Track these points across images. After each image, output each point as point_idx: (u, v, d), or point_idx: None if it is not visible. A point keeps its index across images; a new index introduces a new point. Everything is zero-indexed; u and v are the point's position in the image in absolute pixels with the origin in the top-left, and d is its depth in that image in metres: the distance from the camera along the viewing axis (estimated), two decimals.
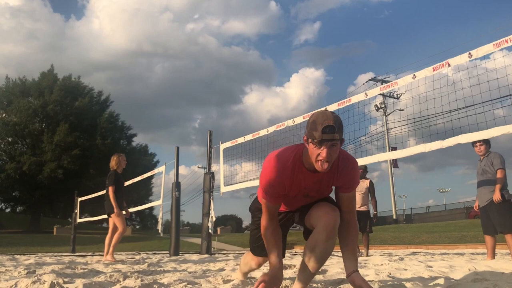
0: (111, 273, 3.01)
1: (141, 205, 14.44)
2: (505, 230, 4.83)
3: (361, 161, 5.12)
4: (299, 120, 6.06)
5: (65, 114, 31.77)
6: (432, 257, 5.88)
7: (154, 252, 11.49)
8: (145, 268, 4.12)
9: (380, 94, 28.85)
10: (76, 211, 13.14)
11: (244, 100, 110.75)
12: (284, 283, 2.25)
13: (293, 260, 4.99)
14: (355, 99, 5.28)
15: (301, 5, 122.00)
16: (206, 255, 7.54)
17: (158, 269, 4.01)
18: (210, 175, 8.22)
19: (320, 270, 3.20)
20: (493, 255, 5.07)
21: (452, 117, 4.47)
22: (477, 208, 5.41)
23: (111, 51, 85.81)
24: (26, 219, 33.39)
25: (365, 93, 5.25)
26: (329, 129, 1.80)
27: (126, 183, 7.48)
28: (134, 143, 38.27)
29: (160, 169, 9.53)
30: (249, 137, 7.30)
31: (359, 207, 6.86)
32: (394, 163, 34.07)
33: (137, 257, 7.49)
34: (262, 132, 6.95)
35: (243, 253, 2.92)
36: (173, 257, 7.11)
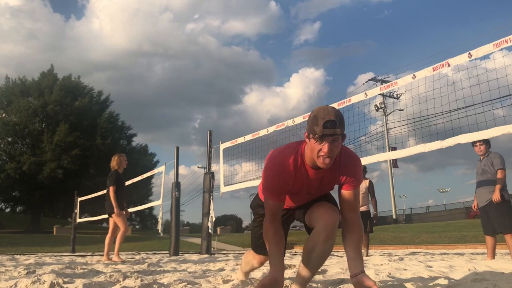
0: (111, 273, 3.01)
1: (141, 205, 14.43)
2: (504, 230, 4.83)
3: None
4: (299, 120, 6.07)
5: (65, 114, 31.77)
6: (432, 257, 5.88)
7: (154, 252, 11.49)
8: (145, 268, 4.12)
9: (380, 94, 28.85)
10: (76, 211, 13.14)
11: (244, 100, 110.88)
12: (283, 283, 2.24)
13: (293, 260, 4.99)
14: (355, 99, 5.29)
15: (301, 5, 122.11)
16: (206, 255, 7.55)
17: (158, 269, 4.01)
18: (210, 175, 8.22)
19: (320, 270, 3.21)
20: (493, 255, 5.07)
21: (452, 117, 4.47)
22: (475, 208, 5.41)
23: (111, 51, 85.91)
24: (26, 219, 33.40)
25: (365, 93, 5.26)
26: (330, 124, 1.78)
27: (126, 183, 7.48)
28: (134, 143, 38.33)
29: (160, 169, 9.54)
30: (249, 137, 7.30)
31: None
32: (394, 163, 34.07)
33: (137, 257, 7.49)
34: (262, 132, 6.95)
35: (243, 253, 2.91)
36: (173, 257, 7.11)
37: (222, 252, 11.27)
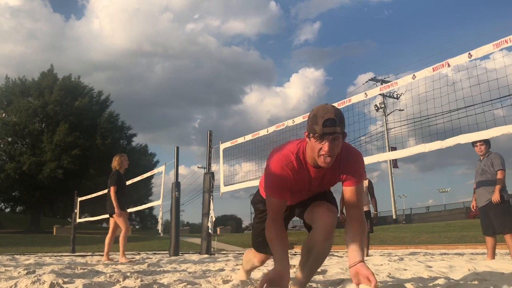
0: (111, 273, 3.01)
1: (141, 205, 14.44)
2: (504, 231, 4.83)
3: None
4: (299, 120, 6.07)
5: (65, 114, 31.77)
6: (432, 257, 5.88)
7: (154, 252, 11.50)
8: (145, 268, 4.13)
9: (380, 94, 28.83)
10: (76, 211, 13.14)
11: (244, 100, 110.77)
12: None
13: (293, 260, 4.98)
14: (355, 99, 5.29)
15: (301, 5, 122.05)
16: (206, 255, 7.55)
17: (158, 269, 4.01)
18: (210, 175, 8.22)
19: (319, 270, 3.20)
20: (493, 255, 5.07)
21: (452, 117, 4.47)
22: (473, 208, 5.42)
23: (111, 51, 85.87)
24: (26, 219, 33.39)
25: (365, 93, 5.26)
26: (330, 122, 1.77)
27: (126, 183, 7.48)
28: (134, 143, 38.33)
29: (160, 169, 9.54)
30: (249, 137, 7.30)
31: None
32: (394, 163, 34.07)
33: (137, 257, 7.49)
34: (262, 132, 6.96)
35: (243, 253, 2.91)
36: (173, 257, 7.11)
37: (222, 252, 11.27)
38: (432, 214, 37.92)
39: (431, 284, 2.43)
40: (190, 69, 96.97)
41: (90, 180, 29.32)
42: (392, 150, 7.71)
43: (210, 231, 8.02)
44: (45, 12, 74.28)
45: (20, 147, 32.93)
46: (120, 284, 2.48)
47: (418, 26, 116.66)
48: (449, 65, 4.18)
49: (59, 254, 10.94)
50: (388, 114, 35.52)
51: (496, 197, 4.82)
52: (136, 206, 13.92)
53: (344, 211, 6.22)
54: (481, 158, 5.12)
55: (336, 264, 4.13)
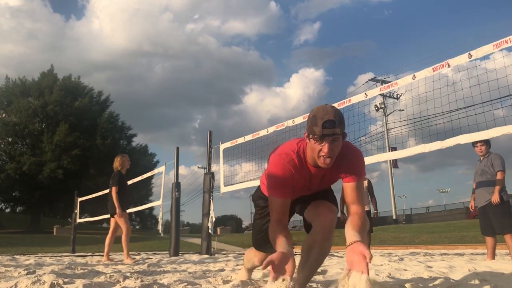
0: (111, 274, 3.02)
1: (141, 205, 14.44)
2: (504, 231, 4.83)
3: None
4: (299, 120, 6.08)
5: (65, 114, 31.78)
6: (432, 258, 5.88)
7: (154, 252, 11.50)
8: (145, 268, 4.13)
9: (380, 95, 28.80)
10: (76, 211, 13.14)
11: (244, 100, 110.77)
12: None
13: None
14: (355, 99, 5.30)
15: (301, 5, 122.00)
16: (206, 256, 7.55)
17: (158, 269, 4.01)
18: (210, 175, 8.22)
19: (319, 271, 3.21)
20: (493, 256, 5.07)
21: (452, 118, 4.47)
22: (472, 208, 5.43)
23: (111, 51, 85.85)
24: (26, 219, 33.40)
25: (365, 94, 5.26)
26: (329, 124, 1.76)
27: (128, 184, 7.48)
28: (134, 143, 38.38)
29: (160, 169, 9.54)
30: (249, 137, 7.30)
31: None
32: (394, 163, 34.07)
33: (137, 257, 7.49)
34: (262, 133, 6.96)
35: (243, 254, 2.91)
36: (173, 258, 7.11)
37: (222, 252, 11.27)
38: (432, 214, 37.91)
39: (431, 285, 2.43)
40: (190, 69, 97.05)
41: (90, 180, 29.34)
42: (392, 150, 7.71)
43: (210, 231, 8.02)
44: (45, 12, 74.32)
45: (20, 147, 32.95)
46: (120, 285, 2.48)
47: (418, 26, 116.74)
48: (449, 65, 4.18)
49: (59, 254, 10.95)
50: (388, 114, 35.55)
51: (495, 198, 4.82)
52: (136, 206, 13.92)
53: (344, 211, 6.23)
54: (481, 158, 5.12)
55: (336, 264, 4.13)
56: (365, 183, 7.19)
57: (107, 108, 36.05)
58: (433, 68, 4.31)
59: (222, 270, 3.85)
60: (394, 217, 35.25)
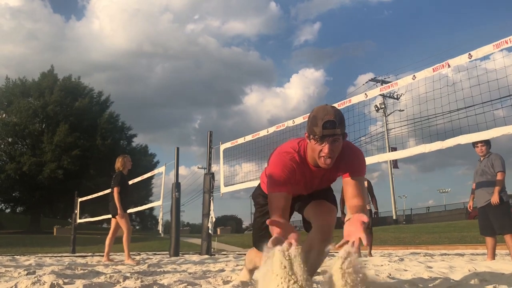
0: (111, 274, 3.02)
1: (141, 205, 14.43)
2: (504, 231, 4.83)
3: None
4: (299, 120, 6.08)
5: (65, 114, 31.80)
6: (432, 258, 5.88)
7: (154, 252, 11.50)
8: (145, 268, 4.13)
9: (380, 95, 28.84)
10: (76, 211, 13.15)
11: (244, 101, 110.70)
12: None
13: None
14: (355, 99, 5.30)
15: (301, 5, 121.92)
16: (206, 256, 7.55)
17: (158, 269, 4.01)
18: (210, 176, 8.23)
19: (319, 271, 3.20)
20: (493, 256, 5.07)
21: (452, 118, 4.48)
22: (470, 208, 5.43)
23: (111, 52, 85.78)
24: (26, 220, 33.39)
25: (365, 94, 5.26)
26: (330, 124, 1.76)
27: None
28: (134, 144, 38.38)
29: (160, 169, 9.55)
30: (249, 138, 7.31)
31: None
32: (394, 163, 34.06)
33: (137, 257, 7.49)
34: (262, 133, 6.96)
35: (243, 254, 2.91)
36: (173, 258, 7.11)
37: (222, 252, 11.27)
38: (432, 214, 37.89)
39: (431, 285, 2.43)
40: (190, 70, 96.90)
41: (90, 181, 29.34)
42: (392, 151, 7.72)
43: (210, 231, 8.02)
44: (45, 13, 74.26)
45: (20, 148, 32.96)
46: (120, 285, 2.48)
47: (418, 26, 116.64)
48: (449, 66, 4.18)
49: (59, 254, 10.95)
50: (388, 115, 35.54)
51: (495, 199, 4.82)
52: (137, 206, 13.93)
53: (344, 211, 6.23)
54: (482, 158, 5.11)
55: None
56: (365, 183, 7.20)
57: (107, 109, 36.09)
58: (433, 68, 4.32)
59: (222, 270, 3.85)
60: (394, 217, 35.24)
